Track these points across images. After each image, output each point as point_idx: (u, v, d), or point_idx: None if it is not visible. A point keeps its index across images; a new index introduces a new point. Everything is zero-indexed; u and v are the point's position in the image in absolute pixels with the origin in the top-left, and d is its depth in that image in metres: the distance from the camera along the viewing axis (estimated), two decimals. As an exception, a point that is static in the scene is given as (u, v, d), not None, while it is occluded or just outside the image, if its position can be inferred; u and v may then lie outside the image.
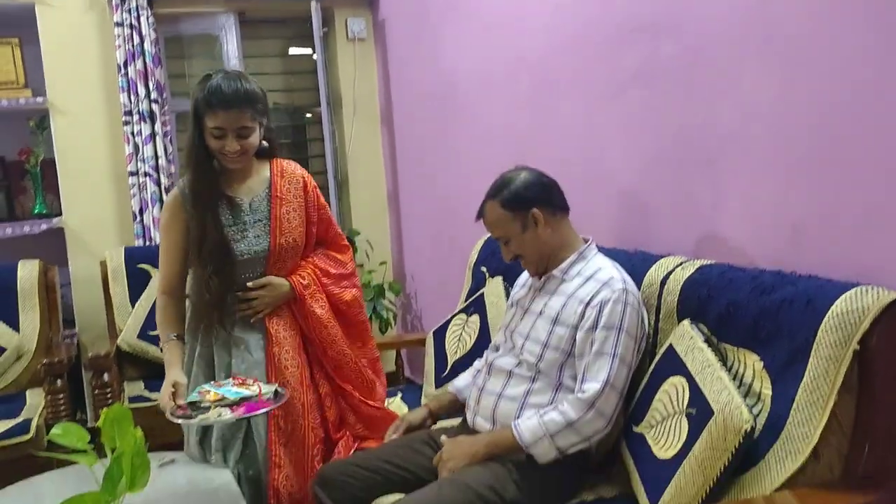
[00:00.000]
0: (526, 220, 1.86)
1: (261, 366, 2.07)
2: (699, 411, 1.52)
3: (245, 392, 1.85)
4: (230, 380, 1.94)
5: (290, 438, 2.05)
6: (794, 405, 1.41)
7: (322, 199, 2.22)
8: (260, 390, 1.87)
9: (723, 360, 1.59)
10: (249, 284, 2.07)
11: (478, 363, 2.14)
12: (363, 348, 2.26)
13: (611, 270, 1.84)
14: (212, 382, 1.95)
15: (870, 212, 1.51)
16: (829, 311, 1.40)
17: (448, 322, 2.63)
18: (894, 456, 1.37)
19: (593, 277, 1.84)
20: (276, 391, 1.90)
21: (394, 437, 2.02)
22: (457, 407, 2.10)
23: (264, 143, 2.08)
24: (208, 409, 1.81)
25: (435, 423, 2.10)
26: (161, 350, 2.08)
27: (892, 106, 1.45)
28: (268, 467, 2.00)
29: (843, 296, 1.40)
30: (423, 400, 2.53)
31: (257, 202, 2.09)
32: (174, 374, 1.97)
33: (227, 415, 1.78)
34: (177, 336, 2.06)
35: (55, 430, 1.51)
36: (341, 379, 2.20)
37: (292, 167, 2.17)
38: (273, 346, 2.08)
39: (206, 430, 2.06)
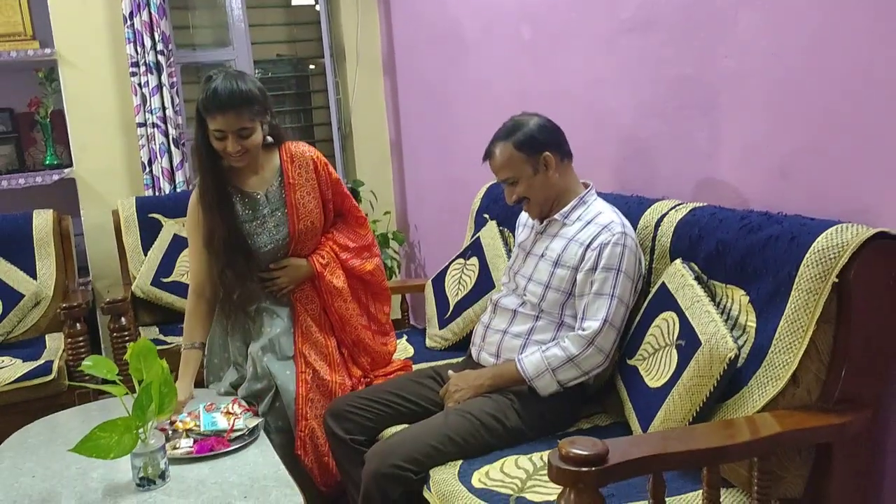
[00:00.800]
0: (537, 162, 1.92)
1: (289, 332, 2.17)
2: (688, 342, 1.62)
3: (219, 426, 1.84)
4: (227, 404, 1.95)
5: (318, 394, 2.15)
6: (777, 335, 1.50)
7: (334, 174, 2.28)
8: (232, 426, 1.84)
9: (711, 295, 1.68)
10: (271, 266, 2.18)
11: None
12: (383, 311, 2.40)
13: (610, 214, 1.92)
14: (203, 406, 1.94)
15: (853, 154, 1.59)
16: (811, 247, 1.48)
17: (446, 268, 2.72)
18: (868, 381, 1.48)
19: (593, 221, 1.92)
20: (254, 427, 1.87)
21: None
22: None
23: (268, 137, 2.15)
24: (180, 436, 1.82)
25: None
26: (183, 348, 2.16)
27: (880, 50, 1.51)
28: (295, 420, 2.10)
29: (825, 232, 1.48)
30: (428, 342, 2.64)
31: (272, 192, 2.17)
32: (181, 388, 2.01)
33: (182, 450, 1.76)
34: (199, 344, 2.15)
35: (86, 362, 1.61)
36: (357, 353, 2.32)
37: (301, 150, 2.22)
38: (299, 314, 2.20)
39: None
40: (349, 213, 2.35)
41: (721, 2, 1.89)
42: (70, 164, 3.49)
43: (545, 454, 1.68)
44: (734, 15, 1.86)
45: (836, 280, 1.44)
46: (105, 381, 1.63)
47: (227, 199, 2.12)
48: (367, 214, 3.82)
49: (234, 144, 2.01)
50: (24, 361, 2.73)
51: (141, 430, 1.56)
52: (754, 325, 1.58)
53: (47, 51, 3.37)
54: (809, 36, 1.66)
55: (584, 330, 1.83)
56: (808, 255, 1.48)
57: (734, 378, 1.54)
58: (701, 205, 1.89)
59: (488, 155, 1.98)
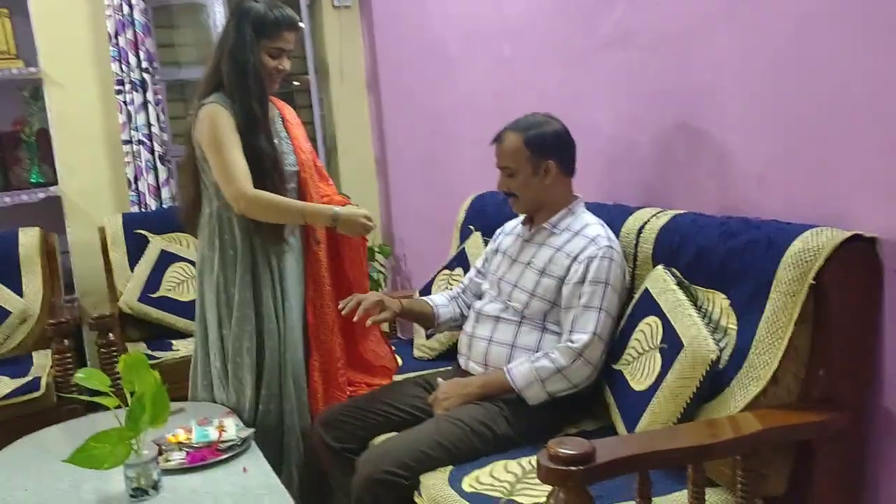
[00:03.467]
0: (539, 166, 1.95)
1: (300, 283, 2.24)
2: (671, 346, 1.66)
3: (211, 438, 1.84)
4: (219, 418, 1.95)
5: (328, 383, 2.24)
6: (756, 336, 1.55)
7: None
8: (220, 436, 1.85)
9: (693, 299, 1.72)
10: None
11: (455, 290, 2.29)
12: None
13: (597, 227, 1.96)
14: (195, 420, 1.94)
15: (827, 161, 1.64)
16: (788, 251, 1.53)
17: (432, 280, 2.75)
18: (846, 380, 1.52)
19: (580, 233, 1.96)
20: (246, 437, 1.88)
21: (353, 304, 2.05)
22: (425, 317, 2.21)
23: None
24: (172, 449, 1.83)
25: (397, 316, 2.14)
26: (301, 211, 2.11)
27: (851, 61, 1.56)
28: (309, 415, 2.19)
29: (801, 236, 1.53)
30: (416, 353, 2.67)
31: (277, 124, 2.25)
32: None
33: (174, 462, 1.77)
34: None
35: (79, 374, 1.63)
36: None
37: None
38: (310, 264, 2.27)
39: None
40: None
41: (695, 18, 1.95)
42: (55, 182, 3.50)
43: (534, 458, 1.71)
44: (709, 30, 1.91)
45: (813, 282, 1.49)
46: (96, 394, 1.64)
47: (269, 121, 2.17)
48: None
49: (286, 62, 2.14)
50: (11, 378, 2.73)
51: (134, 441, 1.58)
52: (735, 327, 1.63)
53: (32, 69, 3.38)
54: (781, 49, 1.72)
55: (572, 342, 1.86)
56: (784, 259, 1.53)
57: (717, 379, 1.58)
58: (681, 212, 1.94)
59: (498, 139, 2.00)
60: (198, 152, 2.16)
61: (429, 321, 2.22)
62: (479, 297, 2.20)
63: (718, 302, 1.69)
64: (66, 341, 2.75)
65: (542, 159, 1.94)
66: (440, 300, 2.24)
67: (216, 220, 2.16)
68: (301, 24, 2.13)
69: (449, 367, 2.22)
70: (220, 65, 2.12)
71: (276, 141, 2.18)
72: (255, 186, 2.06)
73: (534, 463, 1.55)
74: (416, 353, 2.66)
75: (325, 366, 2.26)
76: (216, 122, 2.08)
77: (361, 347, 2.38)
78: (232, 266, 2.14)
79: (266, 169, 2.11)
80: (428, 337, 2.61)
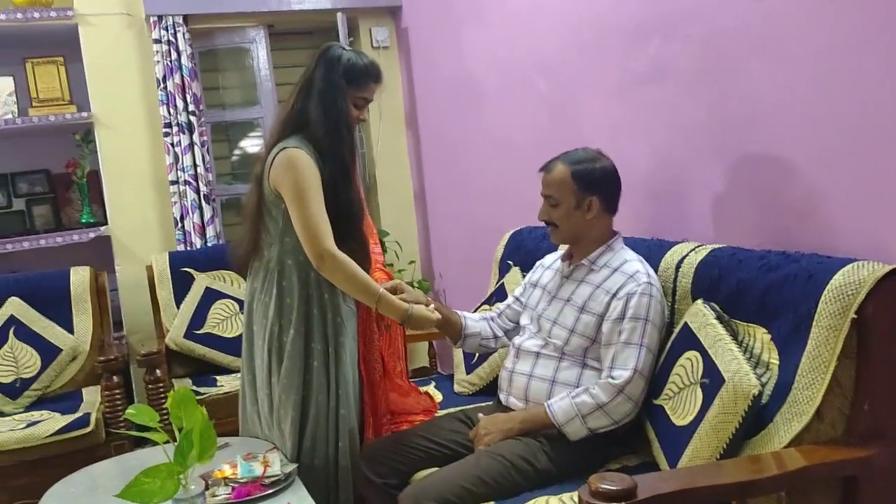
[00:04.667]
0: (583, 200, 1.96)
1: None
2: (712, 381, 1.65)
3: (256, 473, 1.86)
4: (264, 453, 1.98)
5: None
6: (799, 371, 1.54)
7: None
8: (264, 471, 1.87)
9: (733, 334, 1.72)
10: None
11: (490, 313, 2.30)
12: None
13: (636, 264, 1.97)
14: (241, 455, 1.96)
15: (866, 192, 1.64)
16: (829, 285, 1.53)
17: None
18: (891, 414, 1.50)
19: (619, 270, 1.96)
20: (290, 472, 1.90)
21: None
22: (456, 330, 2.21)
23: None
24: (219, 484, 1.85)
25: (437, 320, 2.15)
26: (378, 297, 2.03)
27: (889, 94, 1.57)
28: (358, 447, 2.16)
29: (842, 270, 1.53)
30: (456, 388, 2.68)
31: None
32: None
33: (220, 497, 1.79)
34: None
35: (130, 410, 1.68)
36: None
37: None
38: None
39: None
40: None
41: (728, 52, 1.97)
42: (105, 222, 3.61)
43: (575, 494, 1.71)
44: (742, 64, 1.93)
45: (855, 316, 1.48)
46: (145, 429, 1.69)
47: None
48: (392, 264, 3.94)
49: (366, 112, 2.17)
50: (62, 415, 2.81)
51: (182, 476, 1.62)
52: (777, 362, 1.62)
53: (84, 114, 3.52)
54: (817, 81, 1.73)
55: (613, 378, 1.86)
56: (826, 293, 1.52)
57: (759, 415, 1.57)
58: (720, 246, 1.94)
59: (546, 167, 2.02)
60: (267, 196, 2.09)
61: (456, 330, 2.21)
62: (515, 322, 2.21)
63: (759, 336, 1.68)
64: (115, 378, 2.82)
65: (586, 194, 1.96)
66: (470, 314, 2.26)
67: (276, 266, 2.10)
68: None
69: (489, 403, 2.23)
70: (304, 109, 2.08)
71: None
72: (337, 242, 2.01)
73: (575, 499, 1.56)
74: (457, 388, 2.67)
75: (374, 419, 2.25)
76: (301, 169, 2.00)
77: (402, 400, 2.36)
78: (288, 314, 2.10)
79: (355, 222, 2.10)
80: (456, 346, 2.56)
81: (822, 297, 1.53)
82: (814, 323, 1.53)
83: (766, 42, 1.86)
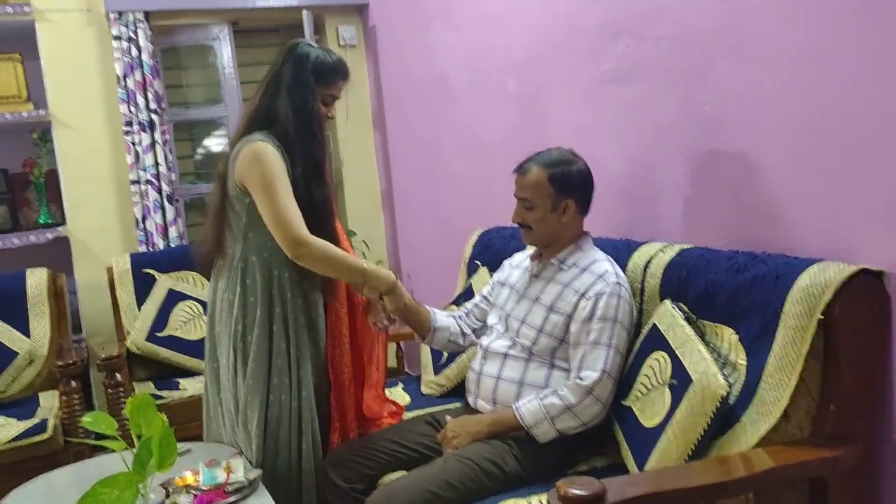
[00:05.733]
0: (559, 203, 1.95)
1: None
2: (680, 382, 1.65)
3: (219, 480, 1.81)
4: (227, 459, 1.90)
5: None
6: (766, 372, 1.54)
7: None
8: (228, 478, 1.82)
9: (701, 335, 1.72)
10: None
11: (458, 312, 2.27)
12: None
13: (605, 264, 1.96)
14: (203, 462, 1.88)
15: (834, 194, 1.65)
16: (795, 285, 1.53)
17: (440, 315, 2.74)
18: (857, 415, 1.51)
19: (588, 270, 1.95)
20: (254, 479, 1.86)
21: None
22: (425, 323, 2.17)
23: None
24: (180, 492, 1.80)
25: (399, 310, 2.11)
26: (363, 270, 2.01)
27: (856, 95, 1.58)
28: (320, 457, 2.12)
29: (808, 270, 1.53)
30: (424, 389, 2.65)
31: None
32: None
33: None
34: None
35: (86, 418, 1.63)
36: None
37: None
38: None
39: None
40: None
41: (697, 52, 1.97)
42: (64, 223, 3.52)
43: (543, 497, 1.69)
44: (711, 65, 1.93)
45: (822, 317, 1.48)
46: (103, 437, 1.64)
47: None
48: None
49: (334, 109, 2.14)
50: (18, 420, 2.73)
51: (141, 485, 1.57)
52: (745, 362, 1.62)
53: (41, 112, 3.43)
54: (786, 83, 1.74)
55: (581, 380, 1.85)
56: (792, 293, 1.53)
57: (727, 415, 1.57)
58: (688, 246, 1.94)
59: (521, 169, 1.99)
60: (231, 191, 2.06)
61: (424, 323, 2.17)
62: (483, 322, 2.20)
63: (727, 337, 1.68)
64: (73, 382, 2.74)
65: (563, 197, 1.95)
66: (439, 311, 2.23)
67: (240, 263, 2.07)
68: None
69: (457, 405, 2.21)
70: (271, 105, 2.05)
71: None
72: (314, 229, 1.98)
73: (543, 501, 1.54)
74: (425, 389, 2.65)
75: (341, 425, 2.21)
76: (267, 161, 1.97)
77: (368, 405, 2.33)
78: (252, 313, 2.07)
79: (324, 220, 2.06)
80: (424, 344, 2.52)
81: (789, 298, 1.53)
82: (781, 323, 1.54)
83: (734, 43, 1.86)
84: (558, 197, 1.94)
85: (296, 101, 2.03)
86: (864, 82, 1.55)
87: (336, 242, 2.08)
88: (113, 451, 1.68)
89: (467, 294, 2.66)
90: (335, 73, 2.08)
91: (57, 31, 3.43)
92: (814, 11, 1.65)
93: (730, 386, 1.56)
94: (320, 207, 2.06)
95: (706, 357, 1.62)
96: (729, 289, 1.70)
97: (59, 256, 3.51)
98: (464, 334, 2.22)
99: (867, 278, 1.50)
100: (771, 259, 1.68)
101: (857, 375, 1.50)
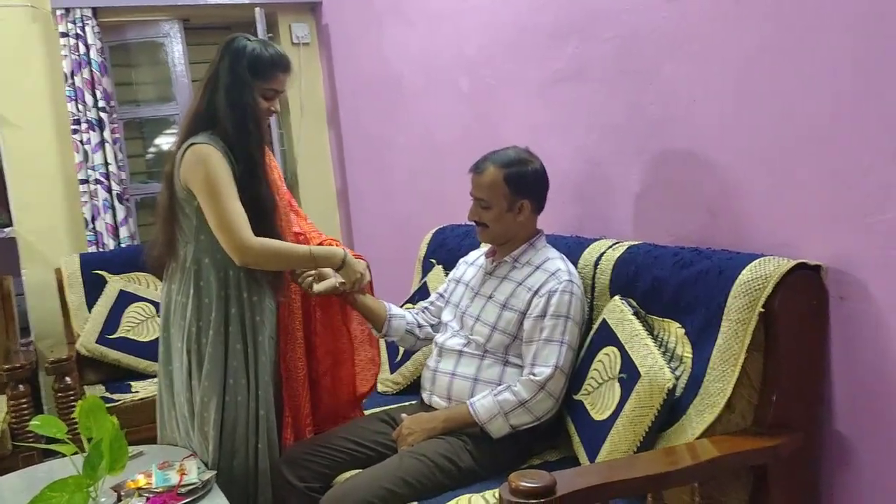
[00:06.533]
0: (515, 203, 1.97)
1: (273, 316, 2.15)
2: (629, 375, 1.69)
3: (172, 482, 1.81)
4: (181, 462, 1.92)
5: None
6: (710, 364, 1.58)
7: None
8: (181, 480, 1.82)
9: (649, 329, 1.76)
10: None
11: (412, 309, 2.29)
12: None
13: (558, 262, 1.99)
14: (156, 464, 1.90)
15: (773, 191, 1.70)
16: (737, 280, 1.58)
17: (395, 313, 2.75)
18: (798, 405, 1.56)
19: (541, 268, 1.98)
20: (207, 479, 1.86)
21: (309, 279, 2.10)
22: (381, 314, 2.20)
23: None
24: (132, 494, 1.78)
25: (353, 300, 2.18)
26: (311, 253, 2.04)
27: (799, 95, 1.63)
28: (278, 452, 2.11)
29: (749, 265, 1.58)
30: (379, 387, 2.66)
31: None
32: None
33: None
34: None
35: (35, 422, 1.61)
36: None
37: None
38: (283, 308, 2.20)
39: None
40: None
41: (645, 53, 2.01)
42: (10, 224, 3.44)
43: (497, 491, 1.72)
44: (657, 65, 1.98)
45: (763, 310, 1.53)
46: (53, 441, 1.61)
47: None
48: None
49: (277, 104, 2.10)
50: (-36, 425, 2.67)
51: (92, 489, 1.55)
52: (690, 355, 1.66)
53: (-15, 110, 3.35)
54: (728, 82, 1.79)
55: (534, 375, 1.87)
56: (734, 287, 1.58)
57: (674, 407, 1.62)
58: (637, 243, 1.98)
59: (477, 169, 2.00)
60: (179, 194, 2.04)
61: (380, 315, 2.19)
62: (439, 319, 2.22)
63: (674, 331, 1.73)
64: (21, 386, 2.70)
65: (518, 197, 1.97)
66: (396, 310, 2.25)
67: (193, 266, 2.05)
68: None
69: (413, 402, 2.22)
70: (210, 103, 2.03)
71: None
72: (256, 235, 1.97)
73: (497, 495, 1.56)
74: (380, 387, 2.65)
75: (295, 421, 2.21)
76: (211, 164, 1.95)
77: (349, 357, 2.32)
78: (206, 315, 2.05)
79: (268, 218, 2.04)
80: (381, 337, 2.52)
81: (732, 292, 1.58)
82: (724, 317, 1.58)
83: (681, 43, 1.90)
84: (514, 197, 1.97)
85: (232, 98, 2.00)
86: (804, 81, 1.60)
87: (280, 238, 2.07)
88: (62, 455, 1.66)
89: (422, 292, 2.67)
90: (273, 67, 2.04)
91: (1, 27, 3.35)
92: (755, 12, 1.70)
93: (676, 378, 1.60)
94: (260, 205, 2.03)
95: (654, 351, 1.66)
96: (675, 284, 1.75)
97: (5, 258, 3.44)
98: (420, 326, 2.23)
99: (805, 272, 1.56)
100: (715, 254, 1.73)
101: (796, 366, 1.56)
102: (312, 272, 2.11)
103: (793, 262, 1.55)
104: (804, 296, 1.56)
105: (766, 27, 1.68)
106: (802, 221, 1.64)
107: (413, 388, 2.51)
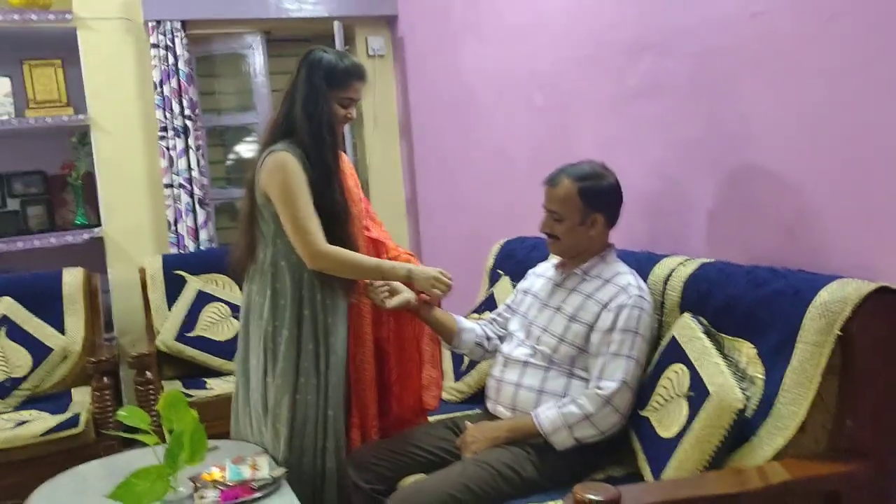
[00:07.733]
0: (588, 217, 1.98)
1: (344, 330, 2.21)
2: (697, 394, 1.67)
3: (244, 476, 1.87)
4: (253, 457, 1.97)
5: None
6: (783, 386, 1.56)
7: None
8: (253, 474, 1.87)
9: (720, 348, 1.74)
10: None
11: (480, 321, 2.31)
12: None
13: (628, 276, 1.99)
14: (230, 459, 1.94)
15: (855, 212, 1.67)
16: (814, 301, 1.55)
17: (462, 323, 2.78)
18: (873, 430, 1.52)
19: (611, 281, 1.98)
20: (279, 476, 1.91)
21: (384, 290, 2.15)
22: (450, 327, 2.22)
23: None
24: (207, 487, 1.84)
25: (426, 314, 2.22)
26: (379, 266, 2.13)
27: (881, 116, 1.60)
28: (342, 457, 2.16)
29: (827, 286, 1.55)
30: (444, 395, 2.69)
31: None
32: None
33: (208, 500, 1.78)
34: None
35: (121, 412, 1.69)
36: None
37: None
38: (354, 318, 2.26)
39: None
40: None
41: (723, 68, 2.00)
42: (99, 224, 3.62)
43: (559, 502, 1.72)
44: (737, 82, 1.96)
45: (840, 333, 1.50)
46: (136, 430, 1.70)
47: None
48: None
49: (354, 111, 2.17)
50: (51, 414, 2.81)
51: (172, 478, 1.63)
52: (762, 376, 1.64)
53: (80, 116, 3.53)
54: (811, 101, 1.76)
55: (601, 389, 1.87)
56: (811, 309, 1.55)
57: (744, 428, 1.59)
58: (709, 260, 1.96)
59: (552, 181, 2.02)
60: (258, 199, 2.12)
61: (450, 327, 2.23)
62: (507, 330, 2.23)
63: (745, 351, 1.70)
64: (105, 379, 2.82)
65: (592, 211, 1.98)
66: (466, 324, 2.27)
67: (270, 268, 2.13)
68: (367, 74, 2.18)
69: (477, 411, 2.25)
70: (289, 114, 2.11)
71: None
72: (329, 241, 2.05)
73: (561, 507, 1.57)
74: (445, 395, 2.68)
75: (362, 422, 2.27)
76: (288, 171, 2.04)
77: (409, 384, 2.36)
78: (282, 315, 2.13)
79: (340, 223, 2.11)
80: (452, 349, 2.55)
81: (808, 314, 1.55)
82: (799, 339, 1.56)
83: (759, 60, 1.89)
84: (587, 211, 1.97)
85: (308, 108, 2.09)
86: (888, 103, 1.57)
87: (353, 245, 2.14)
88: (143, 446, 1.74)
89: (489, 303, 2.69)
90: (348, 76, 2.12)
91: (97, 38, 3.54)
92: (840, 30, 1.67)
93: (747, 399, 1.58)
94: (333, 211, 2.11)
95: (724, 370, 1.65)
96: (748, 303, 1.73)
97: (93, 256, 3.60)
98: (489, 338, 2.26)
99: (886, 296, 1.52)
100: (791, 275, 1.70)
101: (873, 391, 1.52)
102: (385, 287, 2.16)
103: (874, 285, 1.52)
104: (884, 320, 1.52)
105: (852, 48, 1.65)
106: (884, 244, 1.60)
107: (476, 397, 2.52)
